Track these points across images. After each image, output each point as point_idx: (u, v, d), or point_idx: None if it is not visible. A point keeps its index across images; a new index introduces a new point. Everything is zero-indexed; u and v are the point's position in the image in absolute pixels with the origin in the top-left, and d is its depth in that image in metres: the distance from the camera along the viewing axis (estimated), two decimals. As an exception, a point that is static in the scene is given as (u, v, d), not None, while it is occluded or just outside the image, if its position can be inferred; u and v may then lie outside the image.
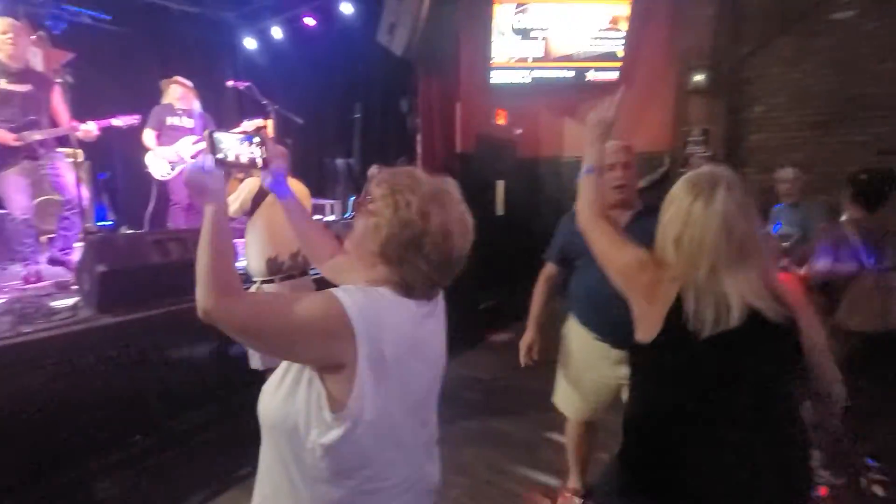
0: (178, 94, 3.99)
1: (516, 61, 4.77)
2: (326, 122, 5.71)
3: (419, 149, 4.48)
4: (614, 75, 4.70)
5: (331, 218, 4.88)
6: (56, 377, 2.09)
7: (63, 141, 3.05)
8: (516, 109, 5.15)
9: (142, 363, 2.36)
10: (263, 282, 2.45)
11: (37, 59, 3.01)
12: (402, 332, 0.83)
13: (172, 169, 3.91)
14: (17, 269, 3.13)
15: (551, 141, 5.53)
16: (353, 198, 5.24)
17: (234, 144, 1.02)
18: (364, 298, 0.80)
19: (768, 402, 1.04)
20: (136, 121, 3.43)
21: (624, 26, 4.60)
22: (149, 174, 3.97)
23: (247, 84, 3.96)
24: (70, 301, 2.51)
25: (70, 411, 2.07)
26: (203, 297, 0.81)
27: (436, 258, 0.83)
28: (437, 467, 0.97)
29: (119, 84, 5.48)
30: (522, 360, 2.00)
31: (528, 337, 2.02)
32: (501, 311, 4.54)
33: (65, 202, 3.10)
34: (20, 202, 2.91)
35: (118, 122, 3.30)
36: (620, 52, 4.66)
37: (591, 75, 4.74)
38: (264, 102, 3.71)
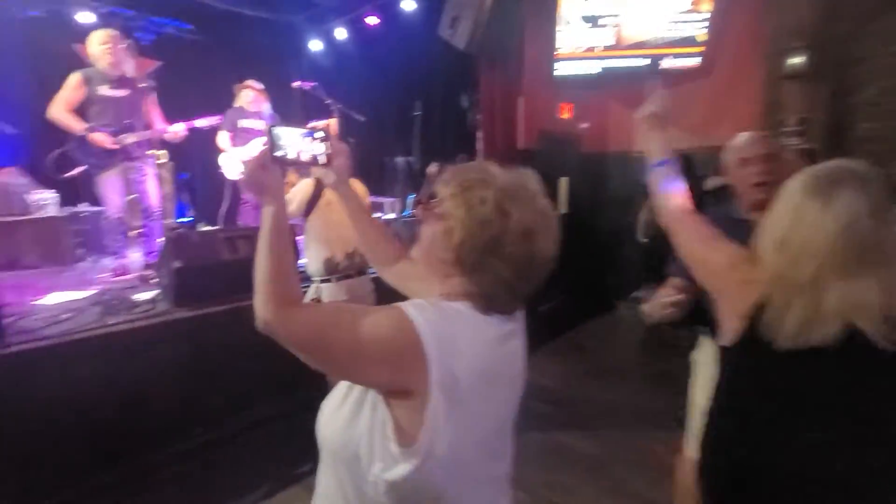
0: (250, 97, 4.15)
1: (584, 51, 4.51)
2: (386, 121, 5.75)
3: (480, 145, 4.37)
4: (694, 61, 4.31)
5: (390, 216, 4.89)
6: (133, 367, 2.20)
7: (152, 143, 3.26)
8: (582, 102, 4.89)
9: (210, 356, 2.44)
10: (322, 281, 2.47)
11: (130, 67, 3.22)
12: (481, 355, 0.73)
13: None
14: (108, 262, 3.39)
15: (619, 135, 5.20)
16: (411, 196, 5.23)
17: (295, 140, 0.96)
18: (438, 317, 0.70)
19: (863, 444, 0.86)
20: (217, 121, 3.64)
21: (707, 7, 4.20)
22: (223, 174, 4.18)
23: (312, 84, 4.05)
24: (150, 294, 2.66)
25: (141, 401, 2.17)
26: (262, 306, 0.75)
27: (518, 262, 0.72)
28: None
29: (198, 89, 5.85)
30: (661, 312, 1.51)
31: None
32: (564, 314, 4.33)
33: (149, 205, 3.32)
34: (115, 201, 3.14)
35: (201, 122, 3.50)
36: (702, 36, 4.26)
37: (668, 63, 4.38)
38: (328, 101, 3.76)
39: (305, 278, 2.67)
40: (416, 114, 5.25)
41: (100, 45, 3.01)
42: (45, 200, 4.03)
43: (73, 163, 3.08)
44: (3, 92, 5.41)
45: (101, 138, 3.00)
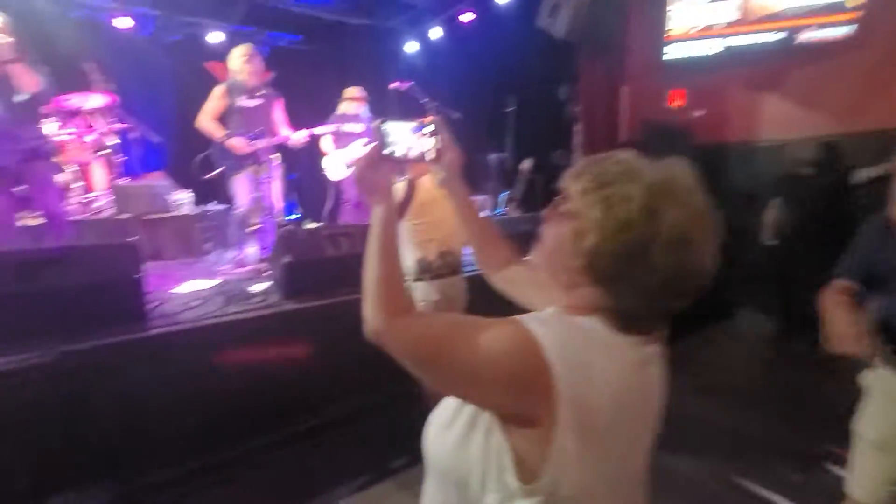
0: (354, 104, 4.40)
1: (700, 30, 4.05)
2: (478, 117, 5.69)
3: (577, 139, 4.14)
4: (843, 31, 3.65)
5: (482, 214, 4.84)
6: (245, 357, 2.38)
7: (275, 148, 3.59)
8: (696, 88, 4.40)
9: (314, 347, 2.57)
10: (414, 280, 2.48)
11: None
12: (618, 383, 0.62)
13: (345, 169, 4.36)
14: (230, 255, 3.74)
15: (742, 122, 4.60)
16: (504, 193, 5.14)
17: (404, 136, 0.92)
18: (568, 335, 0.61)
19: None
20: (334, 129, 3.97)
21: (861, -34, 3.54)
22: (327, 175, 4.47)
23: (409, 84, 4.13)
24: (264, 286, 2.88)
25: (251, 386, 2.33)
26: (372, 314, 0.72)
27: (666, 273, 0.60)
28: None
29: (306, 96, 6.31)
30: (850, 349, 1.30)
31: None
32: (672, 320, 3.94)
33: (268, 204, 3.63)
34: (243, 199, 3.47)
35: (321, 129, 3.80)
36: (854, 1, 3.60)
37: (807, 35, 3.77)
38: (424, 101, 3.81)
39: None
40: (509, 109, 5.13)
41: (240, 59, 3.36)
42: (182, 200, 4.59)
43: (212, 165, 3.47)
44: (150, 106, 6.30)
45: (238, 144, 3.34)
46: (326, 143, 4.32)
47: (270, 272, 2.98)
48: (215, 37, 6.10)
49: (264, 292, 2.75)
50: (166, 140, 6.30)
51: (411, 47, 6.51)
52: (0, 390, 1.80)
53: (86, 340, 2.00)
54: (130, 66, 6.08)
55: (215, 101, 3.39)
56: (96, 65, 4.77)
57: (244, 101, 3.42)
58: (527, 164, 4.90)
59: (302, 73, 6.48)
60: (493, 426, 0.63)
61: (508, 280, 0.96)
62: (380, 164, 0.84)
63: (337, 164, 4.33)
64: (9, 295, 1.90)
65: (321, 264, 2.63)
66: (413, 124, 0.95)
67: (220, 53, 6.05)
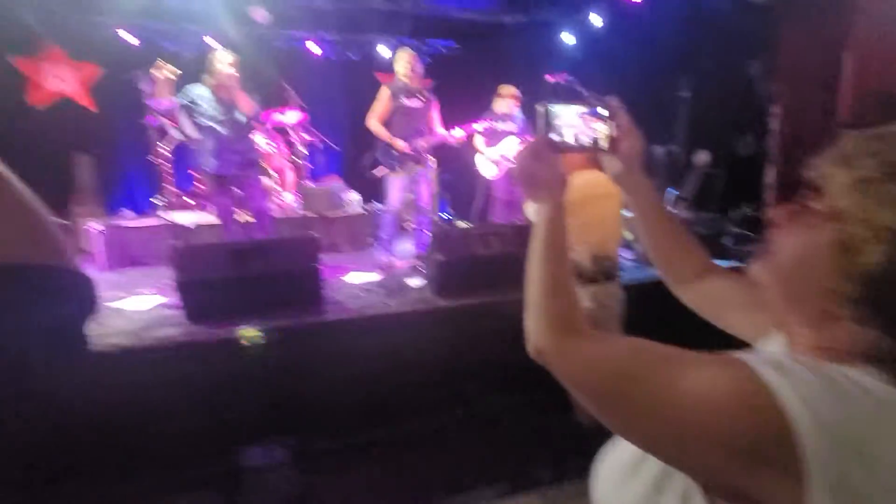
0: (508, 102, 4.39)
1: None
2: (644, 106, 5.13)
3: (775, 123, 3.42)
4: None
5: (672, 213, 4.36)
6: (404, 345, 2.52)
7: (431, 148, 3.78)
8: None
9: (465, 344, 2.60)
10: None
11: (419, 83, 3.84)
12: None
13: (497, 167, 4.38)
14: (388, 251, 4.04)
15: None
16: (673, 191, 4.55)
17: (573, 120, 0.79)
18: (826, 392, 0.42)
19: None
20: (489, 123, 4.01)
21: None
22: (478, 174, 4.52)
23: (565, 76, 3.93)
24: (419, 282, 3.03)
25: (403, 376, 2.45)
26: (537, 331, 0.62)
27: None
28: None
29: (462, 99, 6.54)
30: None
31: None
32: None
33: (422, 205, 3.83)
34: (396, 199, 3.74)
35: (477, 126, 3.89)
36: None
37: None
38: (581, 91, 3.57)
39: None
40: (682, 94, 4.52)
41: (403, 63, 3.66)
42: (352, 200, 5.16)
43: (377, 165, 3.82)
44: (329, 119, 7.24)
45: (402, 144, 3.62)
46: (479, 142, 4.38)
47: (425, 269, 3.11)
48: (383, 50, 6.71)
49: (420, 289, 2.89)
50: (341, 148, 7.18)
51: (567, 39, 6.21)
52: (217, 356, 2.22)
53: (278, 318, 2.35)
54: (316, 84, 7.07)
55: (381, 101, 3.70)
56: (292, 85, 5.64)
57: (407, 102, 3.68)
58: (703, 157, 4.25)
59: (458, 78, 6.70)
60: (693, 495, 0.48)
61: (705, 295, 0.77)
62: (545, 154, 0.73)
63: (489, 162, 4.37)
64: (225, 277, 2.32)
65: (472, 264, 2.65)
66: (583, 107, 0.81)
67: (388, 66, 6.64)
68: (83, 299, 0.51)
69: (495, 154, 4.32)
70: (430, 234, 2.74)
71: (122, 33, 5.78)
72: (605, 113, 0.81)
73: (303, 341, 2.38)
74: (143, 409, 2.02)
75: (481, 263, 2.66)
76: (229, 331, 2.25)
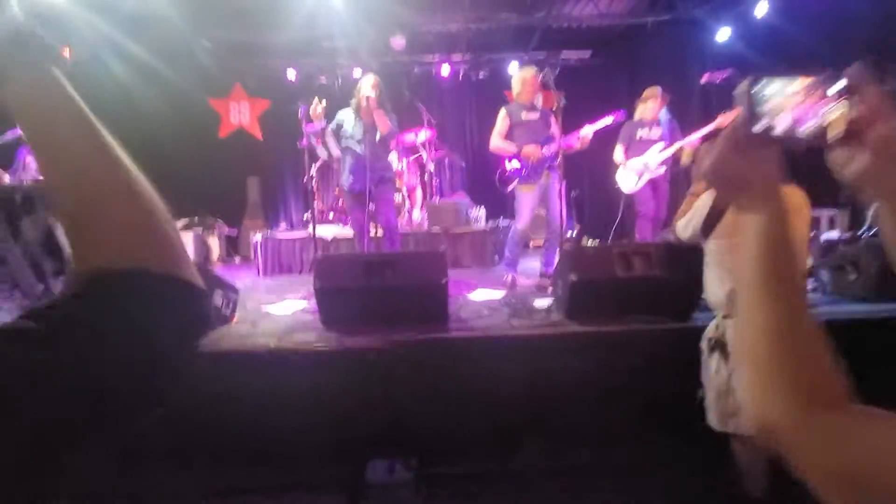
0: (651, 107, 4.03)
1: None
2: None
3: None
4: None
5: (831, 235, 3.53)
6: (525, 373, 2.32)
7: (559, 158, 3.57)
8: None
9: (595, 377, 2.31)
10: (724, 316, 1.91)
11: (538, 97, 3.70)
12: None
13: (639, 179, 4.01)
14: (510, 268, 3.87)
15: None
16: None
17: (788, 100, 0.56)
18: None
19: None
20: (619, 117, 3.67)
21: None
22: (615, 189, 4.19)
23: (726, 73, 3.41)
24: (546, 303, 2.81)
25: (525, 402, 2.24)
26: (770, 402, 0.43)
27: None
28: None
29: (597, 110, 6.19)
30: None
31: None
32: None
33: (552, 220, 3.62)
34: (525, 216, 3.59)
35: (605, 121, 3.57)
36: None
37: None
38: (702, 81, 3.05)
39: (704, 307, 2.21)
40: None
41: (517, 81, 3.64)
42: (478, 216, 5.14)
43: (508, 180, 3.73)
44: (457, 136, 7.42)
45: (531, 150, 3.53)
46: (618, 154, 4.07)
47: (552, 289, 2.89)
48: (512, 68, 6.68)
49: (548, 309, 2.68)
50: (468, 164, 7.30)
51: (722, 35, 5.48)
52: (344, 363, 2.28)
53: (404, 331, 2.35)
54: (445, 104, 7.34)
55: (501, 121, 3.68)
56: (423, 105, 5.89)
57: (525, 115, 3.59)
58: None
59: (593, 88, 6.38)
60: None
61: None
62: (752, 147, 0.53)
63: (630, 174, 4.03)
64: (358, 287, 2.40)
65: (610, 286, 2.36)
66: (804, 80, 0.57)
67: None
68: (193, 313, 0.46)
69: (638, 165, 3.97)
70: (562, 253, 2.52)
71: (290, 72, 6.68)
72: (841, 86, 0.55)
73: (426, 357, 2.34)
74: (276, 407, 2.16)
75: (620, 286, 2.35)
76: (357, 340, 2.31)
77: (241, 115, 7.21)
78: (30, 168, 3.71)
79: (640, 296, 2.35)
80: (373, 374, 2.32)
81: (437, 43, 6.72)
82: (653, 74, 6.15)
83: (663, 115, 4.01)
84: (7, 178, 3.53)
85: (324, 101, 3.46)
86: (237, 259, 6.57)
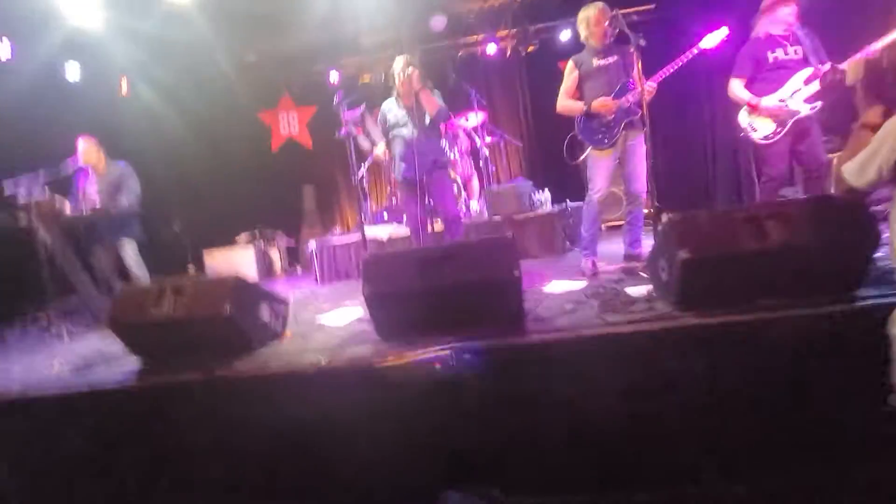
0: (781, 18, 2.90)
1: None
2: None
3: None
4: None
5: None
6: (631, 382, 1.83)
7: (641, 108, 2.87)
8: None
9: (728, 382, 1.77)
10: None
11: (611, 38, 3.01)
12: None
13: (779, 124, 2.91)
14: (582, 256, 3.31)
15: None
16: None
17: None
18: None
19: None
20: (724, 35, 2.80)
21: None
22: (745, 135, 3.09)
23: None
24: (643, 290, 2.29)
25: (632, 427, 1.76)
26: None
27: None
28: None
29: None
30: None
31: None
32: None
33: (636, 190, 3.04)
34: (601, 185, 3.05)
35: (707, 41, 2.79)
36: None
37: None
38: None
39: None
40: None
41: (587, 22, 2.98)
42: (542, 200, 4.62)
43: (580, 148, 3.18)
44: (511, 116, 6.90)
45: (603, 104, 2.94)
46: (738, 88, 3.03)
47: (649, 272, 2.36)
48: (565, 35, 6.07)
49: (647, 298, 2.15)
50: (525, 145, 6.75)
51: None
52: (406, 380, 1.92)
53: (474, 337, 1.95)
54: (494, 83, 6.84)
55: (568, 75, 3.11)
56: (472, 88, 5.45)
57: (597, 62, 3.00)
58: None
59: (660, 47, 5.57)
60: None
61: None
62: None
63: (763, 120, 2.96)
64: (412, 289, 2.03)
65: (736, 262, 1.80)
66: None
67: (571, 50, 5.96)
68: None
69: (775, 102, 2.92)
70: (664, 224, 1.99)
71: (332, 74, 6.53)
72: None
73: (503, 365, 1.92)
74: (330, 434, 1.84)
75: (752, 262, 1.79)
76: (419, 351, 1.94)
77: (290, 125, 7.19)
78: (89, 198, 3.74)
79: (780, 272, 1.77)
80: (440, 391, 1.94)
81: (480, 23, 6.26)
82: (723, 18, 5.28)
83: (800, 29, 2.92)
84: (68, 207, 3.56)
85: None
86: (298, 269, 6.53)
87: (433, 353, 1.92)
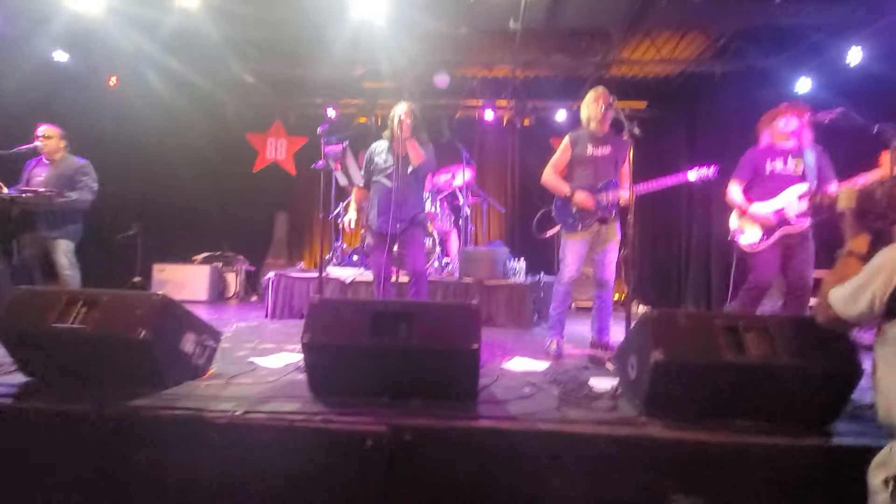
0: (787, 129, 2.89)
1: None
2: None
3: None
4: None
5: None
6: (589, 488, 1.61)
7: (621, 205, 2.92)
8: None
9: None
10: None
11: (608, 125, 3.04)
12: None
13: (766, 232, 2.87)
14: (549, 334, 3.15)
15: None
16: None
17: None
18: None
19: None
20: (711, 174, 2.79)
21: None
22: (736, 241, 3.05)
23: (833, 114, 2.77)
24: (608, 384, 2.11)
25: None
26: None
27: None
28: None
29: (650, 162, 5.65)
30: None
31: None
32: None
33: (605, 277, 2.98)
34: (572, 266, 2.95)
35: (693, 175, 2.80)
36: None
37: None
38: (876, 127, 2.41)
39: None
40: None
41: (594, 103, 2.96)
42: (517, 269, 4.52)
43: (551, 223, 3.11)
44: (497, 181, 6.97)
45: (583, 198, 2.90)
46: (735, 192, 3.02)
47: (616, 366, 2.20)
48: (561, 115, 6.30)
49: (612, 395, 1.97)
50: (508, 212, 6.77)
51: (802, 86, 4.90)
52: (332, 449, 1.64)
53: (419, 412, 1.72)
54: (486, 148, 6.97)
55: (562, 152, 3.06)
56: (464, 147, 5.50)
57: (592, 150, 2.97)
58: None
59: (647, 140, 5.83)
60: None
61: None
62: None
63: (752, 226, 2.94)
64: (361, 346, 1.80)
65: (712, 374, 1.66)
66: None
67: (564, 130, 6.15)
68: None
69: (765, 211, 2.88)
70: (640, 317, 1.85)
71: (330, 111, 6.55)
72: None
73: (445, 450, 1.67)
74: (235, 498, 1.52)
75: (728, 375, 1.65)
76: (352, 418, 1.68)
77: (277, 151, 7.09)
78: (33, 182, 3.43)
79: (756, 392, 1.63)
80: (369, 469, 1.66)
81: (482, 89, 6.47)
82: (716, 127, 5.60)
83: (807, 136, 2.92)
84: (5, 191, 3.23)
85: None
86: (254, 297, 6.15)
87: (367, 424, 1.66)
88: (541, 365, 2.61)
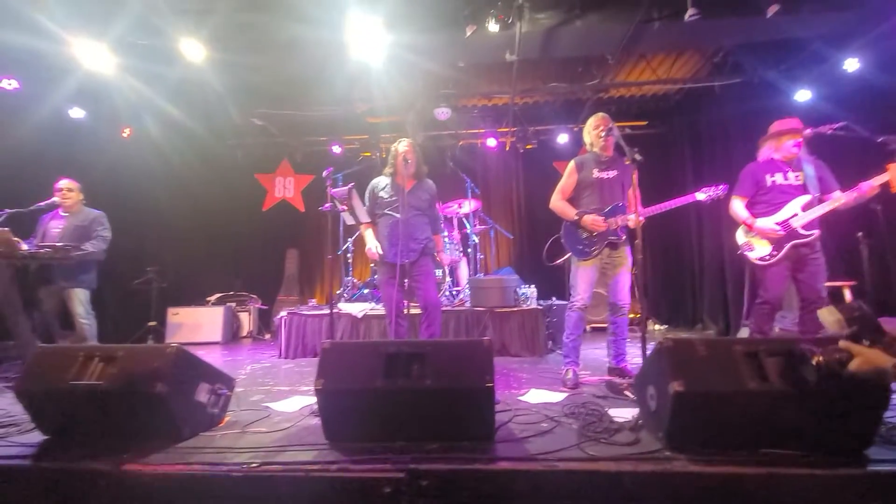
0: (786, 143, 2.92)
1: None
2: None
3: None
4: None
5: None
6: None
7: (629, 229, 2.92)
8: None
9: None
10: None
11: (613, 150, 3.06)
12: None
13: (775, 246, 2.88)
14: (563, 363, 3.10)
15: None
16: None
17: None
18: None
19: None
20: (720, 192, 2.83)
21: None
22: (745, 257, 3.03)
23: (835, 126, 2.77)
24: (629, 414, 2.06)
25: None
26: None
27: None
28: None
29: (654, 180, 5.66)
30: None
31: None
32: None
33: (619, 302, 2.94)
34: (583, 292, 2.93)
35: (701, 195, 2.83)
36: None
37: None
38: (881, 138, 2.40)
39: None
40: None
41: (595, 130, 2.99)
42: (528, 295, 4.49)
43: (561, 251, 3.10)
44: (503, 209, 7.00)
45: (594, 220, 2.90)
46: (738, 207, 3.03)
47: (636, 395, 2.14)
48: (562, 138, 6.36)
49: (633, 427, 1.92)
50: (516, 238, 6.78)
51: (802, 96, 4.92)
52: (350, 498, 1.61)
53: (436, 456, 1.68)
54: (491, 174, 7.04)
55: (568, 176, 3.07)
56: (469, 177, 5.56)
57: (598, 174, 2.98)
58: None
59: (649, 158, 5.86)
60: None
61: None
62: None
63: (760, 241, 2.95)
64: (375, 389, 1.78)
65: (736, 403, 1.61)
66: None
67: (567, 153, 6.20)
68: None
69: (772, 224, 2.89)
70: (657, 347, 1.81)
71: (335, 147, 6.70)
72: None
73: (464, 493, 1.63)
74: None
75: (752, 404, 1.60)
76: (368, 465, 1.65)
77: (285, 189, 7.23)
78: (50, 235, 3.53)
79: (782, 419, 1.58)
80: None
81: (483, 118, 6.59)
82: (720, 139, 5.60)
83: (806, 156, 2.94)
84: (25, 247, 3.33)
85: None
86: (268, 336, 6.16)
87: (384, 471, 1.63)
88: (558, 396, 2.56)
